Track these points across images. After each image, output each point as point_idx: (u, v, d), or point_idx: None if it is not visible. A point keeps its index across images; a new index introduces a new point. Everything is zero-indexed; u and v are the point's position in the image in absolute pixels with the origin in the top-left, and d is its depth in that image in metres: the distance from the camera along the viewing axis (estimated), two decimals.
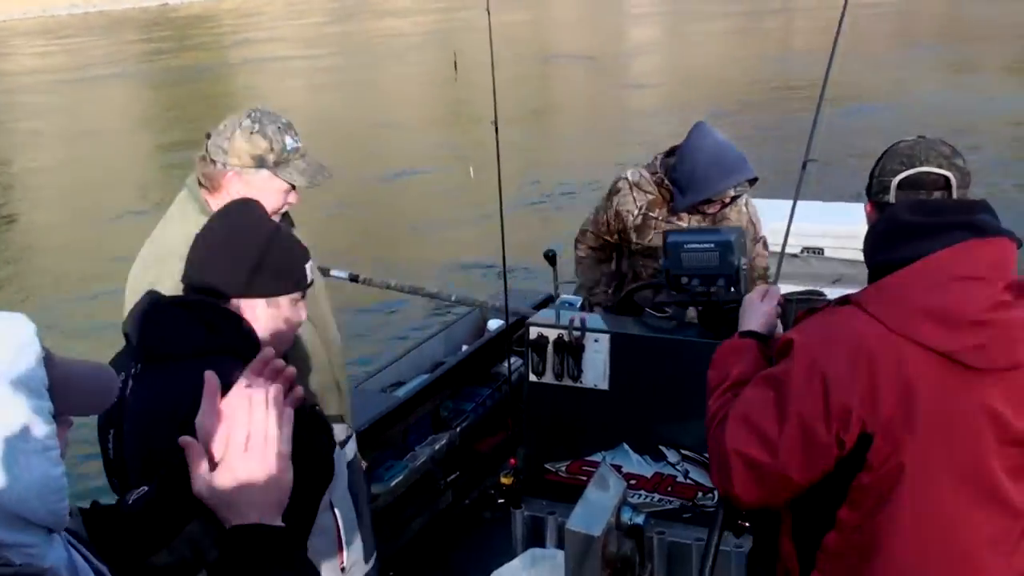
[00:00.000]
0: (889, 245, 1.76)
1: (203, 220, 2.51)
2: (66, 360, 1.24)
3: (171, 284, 2.42)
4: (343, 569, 2.41)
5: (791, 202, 3.33)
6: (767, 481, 1.76)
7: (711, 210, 3.63)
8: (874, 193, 1.90)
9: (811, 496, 1.81)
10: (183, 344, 1.90)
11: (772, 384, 1.75)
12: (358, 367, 4.59)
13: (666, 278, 3.02)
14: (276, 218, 2.58)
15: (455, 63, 4.06)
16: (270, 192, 2.50)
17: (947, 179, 1.81)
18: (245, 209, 2.10)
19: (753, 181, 3.63)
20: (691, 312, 3.18)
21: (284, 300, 2.03)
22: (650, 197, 3.70)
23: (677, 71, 21.21)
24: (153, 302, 1.98)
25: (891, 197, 1.84)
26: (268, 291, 2.01)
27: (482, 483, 3.95)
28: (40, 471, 1.15)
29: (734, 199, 3.67)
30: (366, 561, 2.53)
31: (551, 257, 3.89)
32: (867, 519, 1.75)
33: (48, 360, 1.20)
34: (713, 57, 22.42)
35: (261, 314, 1.99)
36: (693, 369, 2.57)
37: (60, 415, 1.20)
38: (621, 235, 3.78)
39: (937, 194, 1.82)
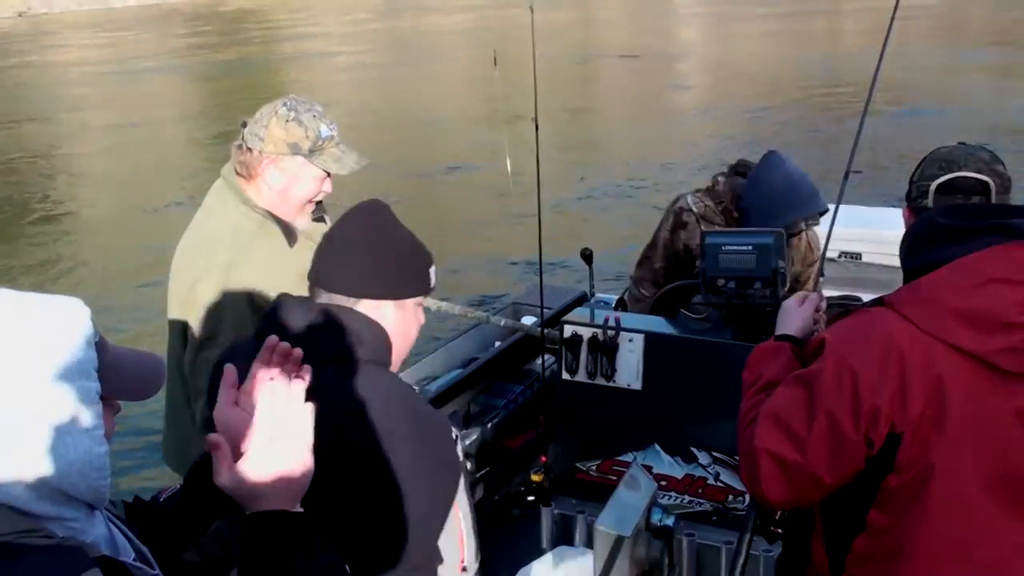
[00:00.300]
0: (923, 248, 1.76)
1: (243, 209, 2.56)
2: (117, 347, 1.31)
3: (218, 275, 2.46)
4: (464, 568, 2.39)
5: (832, 207, 3.28)
6: (796, 481, 1.75)
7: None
8: (913, 198, 1.92)
9: (841, 499, 1.81)
10: (348, 351, 1.88)
11: (803, 383, 1.75)
12: None
13: (702, 279, 3.00)
14: (311, 207, 2.63)
15: (495, 59, 4.04)
16: (304, 179, 2.54)
17: (986, 184, 1.82)
18: (375, 209, 2.04)
19: (823, 212, 3.50)
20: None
21: (410, 303, 2.01)
22: (717, 226, 3.56)
23: (721, 71, 21.09)
24: (304, 307, 1.95)
25: (929, 201, 1.85)
26: (398, 294, 1.98)
27: (512, 480, 3.94)
28: (84, 448, 1.20)
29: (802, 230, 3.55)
30: (476, 560, 2.52)
31: (588, 256, 3.87)
32: (896, 522, 1.74)
33: (100, 344, 1.26)
34: (759, 57, 22.27)
35: (389, 316, 1.95)
36: (726, 371, 2.56)
37: (107, 398, 1.26)
38: (679, 263, 3.66)
39: (975, 199, 1.82)
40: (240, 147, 2.55)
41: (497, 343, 4.69)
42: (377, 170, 2.75)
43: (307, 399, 1.32)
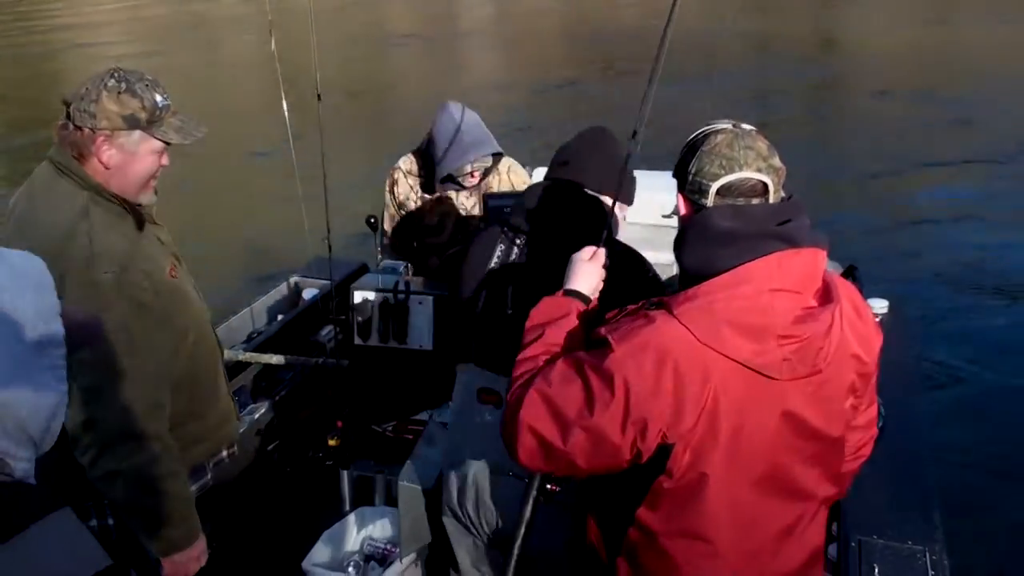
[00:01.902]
0: (701, 252, 1.76)
1: (87, 194, 2.31)
2: None
3: (80, 268, 2.22)
4: None
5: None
6: (553, 459, 1.77)
7: (468, 183, 3.83)
8: (689, 191, 1.83)
9: (611, 492, 1.88)
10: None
11: (580, 373, 1.74)
12: None
13: None
14: (153, 184, 2.44)
15: (271, 32, 3.93)
16: (144, 155, 2.36)
17: (766, 185, 1.78)
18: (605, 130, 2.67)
19: (498, 156, 3.84)
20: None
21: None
22: (422, 180, 3.92)
23: (507, 49, 21.39)
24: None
25: (709, 201, 1.78)
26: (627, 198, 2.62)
27: (305, 451, 3.96)
28: (54, 390, 1.24)
29: (489, 170, 3.86)
30: None
31: (372, 223, 3.94)
32: (667, 519, 1.81)
33: None
34: (544, 33, 22.70)
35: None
36: None
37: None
38: (400, 214, 3.98)
39: (756, 200, 1.78)
40: (66, 127, 2.32)
41: (280, 316, 4.67)
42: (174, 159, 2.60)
43: None
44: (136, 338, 2.28)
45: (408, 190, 3.96)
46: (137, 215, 2.40)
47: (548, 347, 1.90)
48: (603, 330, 1.78)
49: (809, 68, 16.13)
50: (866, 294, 4.38)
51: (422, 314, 3.32)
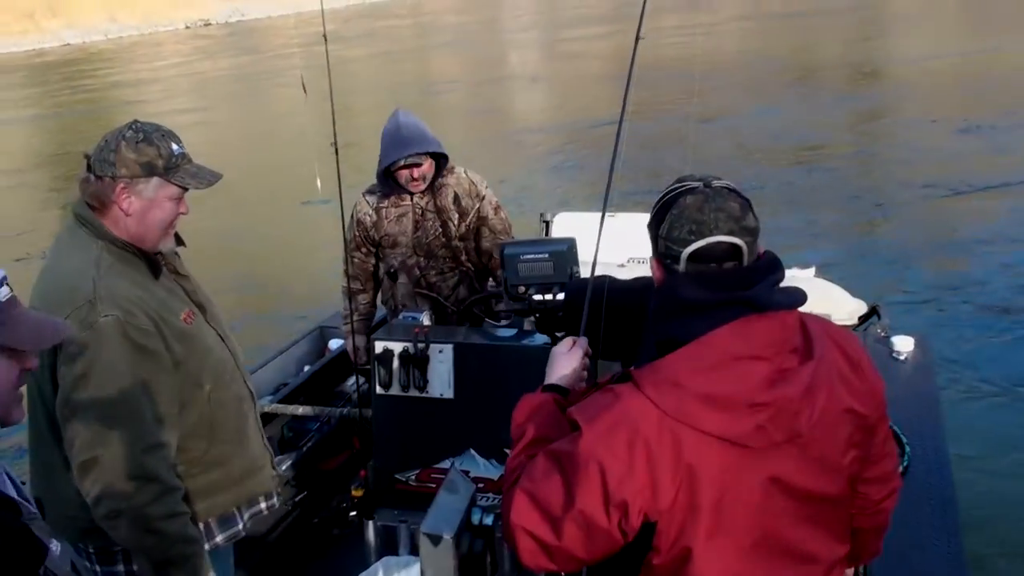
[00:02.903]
0: (668, 320, 1.72)
1: (101, 243, 2.42)
2: (27, 309, 1.62)
3: (84, 314, 2.30)
4: None
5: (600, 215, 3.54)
6: (555, 556, 1.74)
7: (413, 187, 4.01)
8: (661, 256, 1.77)
9: (606, 571, 1.82)
10: None
11: (558, 464, 1.71)
12: None
13: (504, 288, 3.17)
14: (171, 233, 2.53)
15: (303, 86, 4.05)
16: (162, 201, 2.45)
17: (738, 248, 1.71)
18: None
19: (441, 156, 4.02)
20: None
21: None
22: (379, 193, 4.13)
23: (550, 91, 21.60)
24: None
25: (681, 267, 1.73)
26: None
27: (331, 502, 3.98)
28: None
29: (441, 171, 4.06)
30: None
31: (392, 274, 3.99)
32: None
33: (9, 302, 1.54)
34: (586, 76, 22.90)
35: None
36: (532, 373, 2.71)
37: (9, 348, 1.54)
38: (367, 240, 4.16)
39: (729, 264, 1.71)
40: (87, 179, 2.44)
41: (306, 367, 4.72)
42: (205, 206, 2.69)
43: None
44: (136, 380, 2.34)
45: (366, 207, 4.15)
46: (152, 263, 2.50)
47: (531, 445, 1.87)
48: (573, 411, 1.74)
49: (849, 100, 16.09)
50: (892, 331, 4.39)
51: (442, 363, 3.34)
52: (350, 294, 4.22)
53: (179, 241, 2.64)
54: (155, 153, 2.41)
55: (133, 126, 2.44)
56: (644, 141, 12.18)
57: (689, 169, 1.91)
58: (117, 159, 2.39)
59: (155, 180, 2.42)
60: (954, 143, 12.38)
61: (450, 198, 4.08)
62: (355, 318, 4.25)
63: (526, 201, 10.49)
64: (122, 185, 2.40)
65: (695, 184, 1.77)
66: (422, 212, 4.07)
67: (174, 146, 2.45)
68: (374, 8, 53.04)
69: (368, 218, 4.13)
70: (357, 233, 4.16)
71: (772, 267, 1.74)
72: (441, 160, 4.06)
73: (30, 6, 50.02)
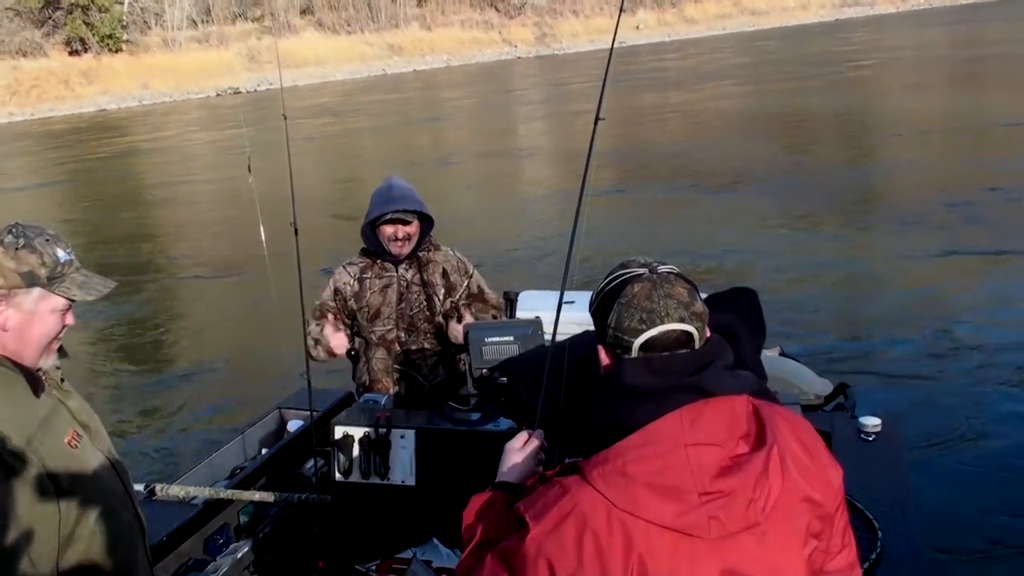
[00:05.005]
0: (613, 409, 1.67)
1: None
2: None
3: None
4: None
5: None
6: None
7: (395, 249, 3.98)
8: (610, 344, 1.73)
9: None
10: None
11: (504, 565, 1.66)
12: (152, 478, 4.37)
13: (468, 371, 3.11)
14: (54, 348, 2.28)
15: (249, 167, 3.98)
16: (44, 314, 2.21)
17: (690, 335, 1.68)
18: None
19: (426, 218, 4.02)
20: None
21: None
22: (362, 264, 4.10)
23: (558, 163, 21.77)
24: None
25: (632, 355, 1.70)
26: None
27: None
28: None
29: (425, 241, 4.06)
30: None
31: (353, 355, 3.91)
32: None
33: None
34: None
35: None
36: (496, 459, 2.64)
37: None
38: (345, 311, 4.09)
39: (681, 351, 1.68)
40: None
41: (264, 450, 4.59)
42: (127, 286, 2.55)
43: None
44: (5, 514, 2.08)
45: (346, 276, 4.10)
46: (33, 380, 2.24)
47: (479, 547, 1.81)
48: (520, 507, 1.68)
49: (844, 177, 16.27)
50: (859, 412, 4.35)
51: (404, 448, 3.25)
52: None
53: (63, 354, 2.37)
54: (37, 261, 2.18)
55: (13, 230, 2.20)
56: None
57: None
58: None
59: (36, 291, 2.19)
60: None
61: (438, 273, 4.05)
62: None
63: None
64: None
65: (640, 271, 1.74)
66: (407, 284, 4.02)
67: (60, 252, 2.22)
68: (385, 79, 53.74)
69: (348, 287, 4.07)
70: (333, 304, 4.09)
71: (722, 349, 1.72)
72: (425, 226, 4.04)
73: (66, 72, 51.46)
